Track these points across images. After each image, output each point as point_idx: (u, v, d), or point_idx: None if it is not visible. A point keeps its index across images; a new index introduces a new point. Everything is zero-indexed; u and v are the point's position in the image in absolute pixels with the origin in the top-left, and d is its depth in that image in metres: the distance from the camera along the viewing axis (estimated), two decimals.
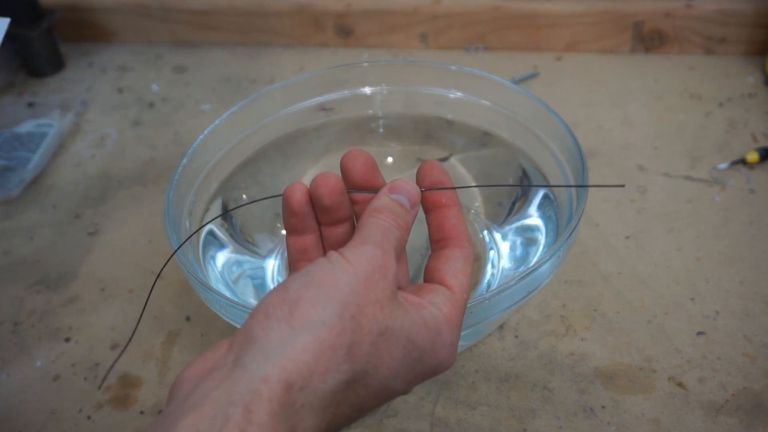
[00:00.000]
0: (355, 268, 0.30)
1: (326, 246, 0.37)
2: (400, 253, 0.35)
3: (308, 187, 0.35)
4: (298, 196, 0.35)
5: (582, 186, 0.44)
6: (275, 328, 0.28)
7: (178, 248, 0.42)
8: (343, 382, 0.28)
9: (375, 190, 0.36)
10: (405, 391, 0.32)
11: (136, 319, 0.56)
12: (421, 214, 0.37)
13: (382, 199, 0.34)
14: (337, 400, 0.28)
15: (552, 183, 0.53)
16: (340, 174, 0.36)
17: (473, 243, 0.36)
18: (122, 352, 0.41)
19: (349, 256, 0.30)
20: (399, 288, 0.34)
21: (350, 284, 0.29)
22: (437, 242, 0.36)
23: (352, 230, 0.37)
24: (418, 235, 0.37)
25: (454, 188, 0.36)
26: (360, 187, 0.36)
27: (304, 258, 0.37)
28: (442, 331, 0.32)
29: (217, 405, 0.26)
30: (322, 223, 0.36)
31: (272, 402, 0.26)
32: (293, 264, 0.37)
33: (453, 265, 0.34)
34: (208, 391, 0.26)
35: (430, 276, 0.35)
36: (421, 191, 0.36)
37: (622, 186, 0.39)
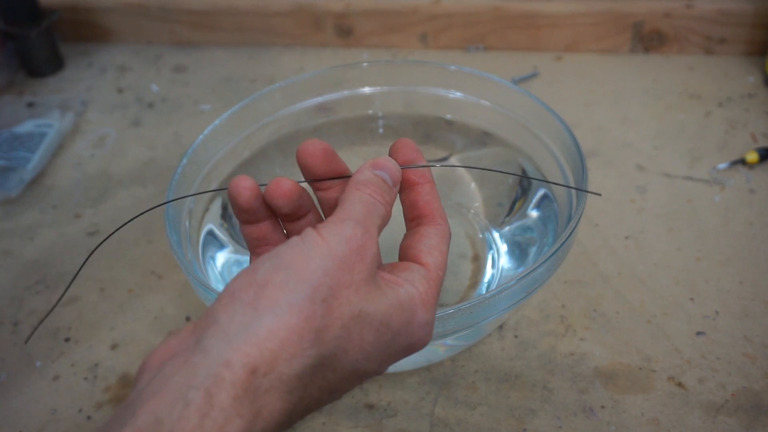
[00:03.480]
0: (330, 248, 0.28)
1: (288, 233, 0.36)
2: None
3: (254, 181, 0.33)
4: (246, 195, 0.33)
5: (556, 183, 0.45)
6: (239, 311, 0.27)
7: (146, 211, 0.42)
8: (310, 366, 0.27)
9: (339, 176, 0.35)
10: (378, 372, 0.31)
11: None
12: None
13: (366, 173, 0.33)
14: (304, 383, 0.27)
15: (551, 181, 0.53)
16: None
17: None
18: (58, 301, 0.37)
19: (326, 234, 0.29)
20: None
21: (323, 266, 0.28)
22: (411, 221, 0.35)
23: (315, 219, 0.36)
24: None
25: (428, 166, 0.35)
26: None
27: (264, 244, 0.35)
28: (416, 311, 0.31)
29: (177, 390, 0.25)
30: (284, 221, 0.35)
31: (235, 386, 0.25)
32: (253, 251, 0.36)
33: (427, 243, 0.33)
34: (168, 376, 0.26)
35: (404, 254, 0.34)
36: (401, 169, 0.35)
37: (599, 195, 0.38)
